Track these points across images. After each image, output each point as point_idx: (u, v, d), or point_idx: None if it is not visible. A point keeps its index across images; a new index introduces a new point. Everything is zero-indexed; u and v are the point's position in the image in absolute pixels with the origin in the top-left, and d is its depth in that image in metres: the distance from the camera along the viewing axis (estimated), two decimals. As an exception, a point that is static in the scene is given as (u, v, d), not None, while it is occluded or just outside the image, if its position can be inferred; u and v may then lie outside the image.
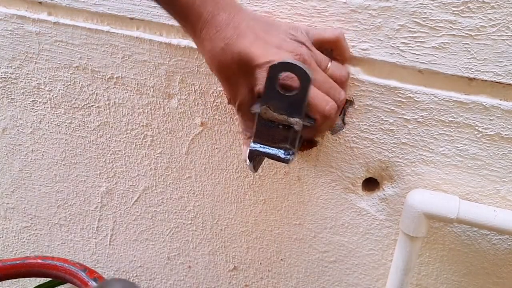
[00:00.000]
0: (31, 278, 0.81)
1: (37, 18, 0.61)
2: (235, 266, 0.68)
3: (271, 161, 0.58)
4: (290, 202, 0.61)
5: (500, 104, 0.48)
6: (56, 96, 0.66)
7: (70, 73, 0.63)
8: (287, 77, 0.43)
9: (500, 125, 0.48)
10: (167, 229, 0.69)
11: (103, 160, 0.68)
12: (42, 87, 0.66)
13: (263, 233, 0.64)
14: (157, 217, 0.69)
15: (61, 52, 0.62)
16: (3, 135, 0.72)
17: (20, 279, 0.81)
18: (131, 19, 0.57)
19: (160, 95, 0.60)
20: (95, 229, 0.74)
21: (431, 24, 0.46)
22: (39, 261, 0.58)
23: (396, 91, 0.50)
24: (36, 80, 0.65)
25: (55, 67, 0.63)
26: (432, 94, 0.49)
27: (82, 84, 0.63)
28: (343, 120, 0.53)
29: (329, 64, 0.47)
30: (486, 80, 0.47)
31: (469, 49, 0.46)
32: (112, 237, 0.73)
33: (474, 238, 0.55)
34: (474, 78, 0.48)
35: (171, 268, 0.72)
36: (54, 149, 0.70)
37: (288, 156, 0.46)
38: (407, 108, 0.51)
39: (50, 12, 0.61)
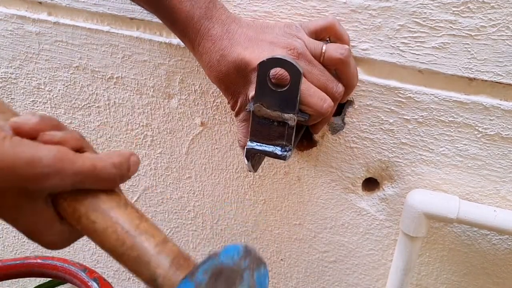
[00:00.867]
0: (31, 278, 0.81)
1: (37, 18, 0.61)
2: (235, 266, 0.68)
3: (271, 161, 0.58)
4: (290, 202, 0.61)
5: (500, 104, 0.48)
6: (56, 96, 0.66)
7: (70, 73, 0.63)
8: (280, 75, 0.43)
9: (500, 125, 0.48)
10: (167, 229, 0.69)
11: (103, 160, 0.68)
12: (42, 87, 0.66)
13: (263, 233, 0.64)
14: (157, 217, 0.69)
15: (61, 52, 0.62)
16: (3, 135, 0.72)
17: (20, 279, 0.81)
18: (131, 19, 0.57)
19: (160, 95, 0.60)
20: (95, 229, 0.74)
21: (431, 24, 0.46)
22: (39, 261, 0.58)
23: (396, 91, 0.50)
24: (36, 80, 0.65)
25: (55, 67, 0.63)
26: (432, 94, 0.49)
27: (82, 84, 0.63)
28: (343, 120, 0.53)
29: (324, 47, 0.46)
30: (486, 80, 0.47)
31: (469, 49, 0.46)
32: (112, 237, 0.73)
33: (474, 238, 0.55)
34: (474, 78, 0.48)
35: (171, 268, 0.72)
36: (54, 149, 0.70)
37: (285, 153, 0.46)
38: (407, 108, 0.51)
39: (50, 12, 0.61)
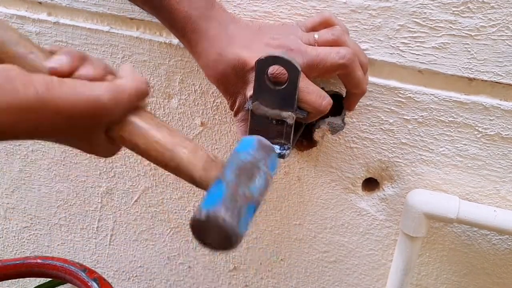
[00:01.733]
0: (31, 278, 0.81)
1: (37, 18, 0.61)
2: (235, 266, 0.68)
3: (271, 161, 0.58)
4: (290, 202, 0.61)
5: (500, 104, 0.48)
6: (56, 96, 0.65)
7: (70, 73, 0.63)
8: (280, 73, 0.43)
9: (500, 125, 0.48)
10: (167, 229, 0.69)
11: (103, 160, 0.68)
12: (42, 87, 0.65)
13: (263, 233, 0.64)
14: (157, 217, 0.69)
15: (61, 52, 0.62)
16: (3, 135, 0.71)
17: (20, 279, 0.81)
18: (131, 19, 0.57)
19: (160, 95, 0.60)
20: (95, 229, 0.74)
21: (431, 24, 0.46)
22: (39, 261, 0.58)
23: (396, 91, 0.50)
24: (36, 80, 0.65)
25: (55, 67, 0.63)
26: (432, 94, 0.49)
27: (82, 84, 0.63)
28: (343, 120, 0.53)
29: (316, 35, 0.45)
30: (486, 80, 0.47)
31: (469, 49, 0.46)
32: (112, 237, 0.73)
33: (474, 238, 0.55)
34: (474, 78, 0.48)
35: (171, 268, 0.72)
36: (54, 149, 0.70)
37: (284, 151, 0.46)
38: (407, 108, 0.51)
39: (50, 12, 0.61)
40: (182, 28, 0.46)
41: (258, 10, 0.51)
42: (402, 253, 0.54)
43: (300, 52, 0.44)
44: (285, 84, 0.43)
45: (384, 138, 0.53)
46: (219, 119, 0.59)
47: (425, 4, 0.46)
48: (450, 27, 0.46)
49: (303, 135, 0.54)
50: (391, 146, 0.53)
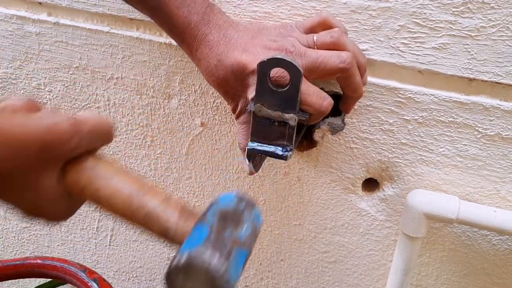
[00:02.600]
0: (31, 279, 0.81)
1: (37, 19, 0.61)
2: (235, 267, 0.68)
3: (271, 161, 0.58)
4: (290, 202, 0.61)
5: (500, 105, 0.48)
6: (56, 97, 0.66)
7: (70, 74, 0.63)
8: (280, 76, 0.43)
9: (500, 125, 0.48)
10: (167, 230, 0.69)
11: (103, 160, 0.68)
12: (42, 87, 0.66)
13: (263, 233, 0.64)
14: (157, 217, 0.69)
15: (61, 53, 0.62)
16: (3, 135, 0.72)
17: (20, 279, 0.81)
18: (131, 19, 0.57)
19: (160, 95, 0.60)
20: (95, 229, 0.74)
21: (431, 24, 0.46)
22: (39, 261, 0.58)
23: (396, 92, 0.50)
24: (36, 81, 0.65)
25: (55, 67, 0.63)
26: (432, 95, 0.49)
27: (82, 85, 0.63)
28: (343, 120, 0.53)
29: (315, 37, 0.45)
30: (486, 81, 0.47)
31: (469, 50, 0.46)
32: (112, 237, 0.73)
33: (474, 239, 0.55)
34: (474, 79, 0.48)
35: (171, 269, 0.72)
36: (54, 150, 0.70)
37: (286, 153, 0.46)
38: (407, 109, 0.51)
39: (50, 12, 0.61)
40: (181, 33, 0.46)
41: (258, 10, 0.51)
42: (402, 254, 0.54)
43: (300, 54, 0.44)
44: (288, 86, 0.43)
45: (384, 139, 0.53)
46: (219, 120, 0.59)
47: (425, 5, 0.46)
48: (450, 27, 0.46)
49: (303, 136, 0.54)
50: (391, 146, 0.53)
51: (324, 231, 0.61)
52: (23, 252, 0.81)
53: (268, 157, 0.50)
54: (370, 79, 0.51)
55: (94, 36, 0.59)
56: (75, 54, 0.62)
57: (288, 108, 0.44)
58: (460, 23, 0.46)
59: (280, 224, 0.63)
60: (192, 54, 0.47)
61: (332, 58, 0.43)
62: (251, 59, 0.44)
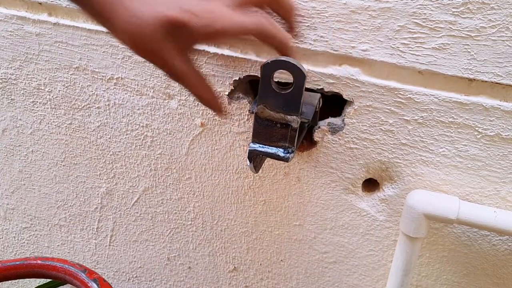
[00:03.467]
0: (31, 279, 0.81)
1: (37, 19, 0.61)
2: (235, 267, 0.68)
3: (271, 161, 0.58)
4: (290, 203, 0.61)
5: (500, 105, 0.48)
6: (56, 97, 0.66)
7: (70, 74, 0.63)
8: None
9: (500, 126, 0.48)
10: (167, 230, 0.69)
11: (103, 161, 0.68)
12: (42, 88, 0.66)
13: (263, 234, 0.64)
14: (157, 218, 0.69)
15: (61, 53, 0.62)
16: (3, 136, 0.72)
17: (20, 280, 0.81)
18: (131, 20, 0.57)
19: (160, 95, 0.60)
20: (95, 230, 0.74)
21: (431, 25, 0.46)
22: (39, 262, 0.58)
23: (396, 92, 0.50)
24: (36, 81, 0.65)
25: (55, 68, 0.63)
26: (432, 95, 0.49)
27: (82, 85, 0.63)
28: (343, 120, 0.53)
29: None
30: (486, 81, 0.47)
31: (469, 50, 0.46)
32: (112, 238, 0.73)
33: (474, 239, 0.55)
34: (474, 79, 0.48)
35: (171, 269, 0.72)
36: (54, 150, 0.70)
37: (288, 155, 0.46)
38: (407, 109, 0.51)
39: (50, 13, 0.61)
40: (101, 8, 0.41)
41: (257, 11, 0.51)
42: (402, 254, 0.54)
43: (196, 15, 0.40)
44: (291, 88, 0.43)
45: (384, 139, 0.53)
46: (219, 120, 0.59)
47: (425, 5, 0.46)
48: (450, 27, 0.46)
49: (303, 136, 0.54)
50: (391, 146, 0.53)
51: (324, 231, 0.61)
52: (23, 252, 0.81)
53: (268, 158, 0.50)
54: (370, 79, 0.50)
55: (94, 37, 0.59)
56: (75, 54, 0.62)
57: (291, 110, 0.44)
58: (460, 24, 0.46)
59: (280, 224, 0.63)
60: (110, 22, 0.42)
61: (237, 20, 0.41)
62: (171, 11, 0.40)
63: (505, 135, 0.49)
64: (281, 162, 0.57)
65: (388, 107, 0.51)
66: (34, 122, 0.69)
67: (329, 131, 0.54)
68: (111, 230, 0.73)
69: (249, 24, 0.42)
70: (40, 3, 0.61)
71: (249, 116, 0.57)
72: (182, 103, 0.59)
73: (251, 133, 0.48)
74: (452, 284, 0.58)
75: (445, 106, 0.49)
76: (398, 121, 0.51)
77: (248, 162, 0.48)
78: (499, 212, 0.49)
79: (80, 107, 0.65)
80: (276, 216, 0.62)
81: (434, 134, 0.51)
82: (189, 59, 0.44)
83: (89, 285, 0.55)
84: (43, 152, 0.71)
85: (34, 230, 0.78)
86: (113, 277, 0.77)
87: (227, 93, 0.56)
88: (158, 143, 0.63)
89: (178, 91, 0.59)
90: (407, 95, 0.50)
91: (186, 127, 0.61)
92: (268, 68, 0.42)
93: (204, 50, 0.55)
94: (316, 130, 0.54)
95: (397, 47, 0.48)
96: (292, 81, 0.44)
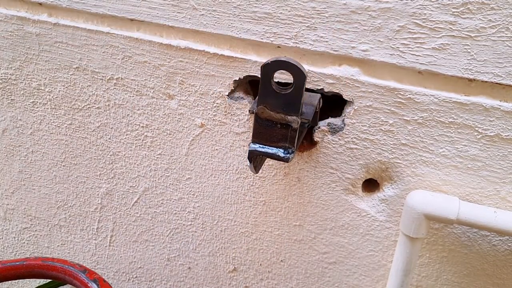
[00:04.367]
0: (31, 280, 0.81)
1: (37, 19, 0.61)
2: (235, 267, 0.68)
3: (271, 162, 0.58)
4: (290, 203, 0.61)
5: (500, 105, 0.48)
6: (56, 97, 0.66)
7: (70, 74, 0.63)
8: None
9: (500, 126, 0.48)
10: (167, 230, 0.69)
11: (103, 161, 0.68)
12: (42, 88, 0.66)
13: (263, 234, 0.64)
14: (157, 218, 0.69)
15: (61, 53, 0.62)
16: (3, 136, 0.72)
17: (20, 280, 0.81)
18: (131, 20, 0.58)
19: (160, 96, 0.60)
20: (95, 230, 0.74)
21: (431, 25, 0.46)
22: (39, 262, 0.58)
23: (396, 92, 0.50)
24: (36, 81, 0.65)
25: (55, 68, 0.63)
26: (432, 95, 0.49)
27: (82, 85, 0.63)
28: (343, 121, 0.53)
29: None
30: (486, 81, 0.47)
31: (469, 50, 0.46)
32: (112, 238, 0.73)
33: (474, 239, 0.54)
34: (474, 79, 0.48)
35: (171, 269, 0.72)
36: (54, 150, 0.70)
37: (288, 155, 0.46)
38: (407, 109, 0.51)
39: (50, 13, 0.61)
40: None
41: (258, 11, 0.51)
42: (402, 254, 0.54)
43: None
44: (291, 89, 0.43)
45: (384, 139, 0.53)
46: (219, 120, 0.59)
47: (425, 5, 0.46)
48: (450, 28, 0.46)
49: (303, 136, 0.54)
50: (391, 147, 0.53)
51: (324, 231, 0.61)
52: (23, 253, 0.81)
53: (268, 158, 0.50)
54: (370, 79, 0.51)
55: (94, 37, 0.60)
56: (75, 54, 0.62)
57: (291, 111, 0.44)
58: (460, 24, 0.46)
59: (280, 224, 0.63)
60: None
61: None
62: None
63: (505, 136, 0.49)
64: (281, 162, 0.57)
65: (388, 108, 0.51)
66: (34, 122, 0.69)
67: (329, 131, 0.54)
68: (111, 231, 0.73)
69: None
70: (40, 4, 0.61)
71: (249, 116, 0.57)
72: (182, 103, 0.59)
73: (251, 133, 0.48)
74: (452, 284, 0.58)
75: (445, 106, 0.49)
76: (398, 121, 0.51)
77: (248, 162, 0.48)
78: (499, 212, 0.49)
79: (80, 108, 0.65)
80: (276, 217, 0.62)
81: (434, 135, 0.51)
82: None
83: (89, 285, 0.55)
84: (43, 153, 0.71)
85: (34, 230, 0.78)
86: (113, 278, 0.77)
87: (227, 93, 0.56)
88: (158, 144, 0.63)
89: (178, 91, 0.59)
90: (407, 95, 0.50)
91: (186, 128, 0.61)
92: (268, 68, 0.42)
93: (204, 50, 0.55)
94: (316, 131, 0.54)
95: (397, 47, 0.48)
96: (292, 81, 0.44)
